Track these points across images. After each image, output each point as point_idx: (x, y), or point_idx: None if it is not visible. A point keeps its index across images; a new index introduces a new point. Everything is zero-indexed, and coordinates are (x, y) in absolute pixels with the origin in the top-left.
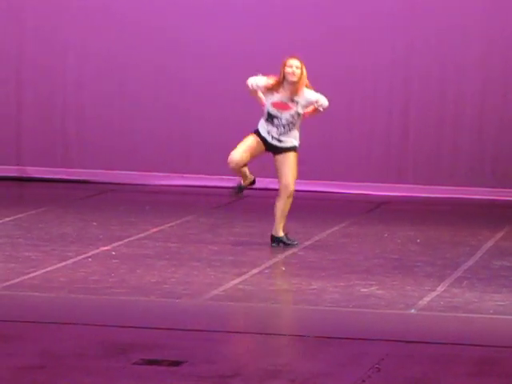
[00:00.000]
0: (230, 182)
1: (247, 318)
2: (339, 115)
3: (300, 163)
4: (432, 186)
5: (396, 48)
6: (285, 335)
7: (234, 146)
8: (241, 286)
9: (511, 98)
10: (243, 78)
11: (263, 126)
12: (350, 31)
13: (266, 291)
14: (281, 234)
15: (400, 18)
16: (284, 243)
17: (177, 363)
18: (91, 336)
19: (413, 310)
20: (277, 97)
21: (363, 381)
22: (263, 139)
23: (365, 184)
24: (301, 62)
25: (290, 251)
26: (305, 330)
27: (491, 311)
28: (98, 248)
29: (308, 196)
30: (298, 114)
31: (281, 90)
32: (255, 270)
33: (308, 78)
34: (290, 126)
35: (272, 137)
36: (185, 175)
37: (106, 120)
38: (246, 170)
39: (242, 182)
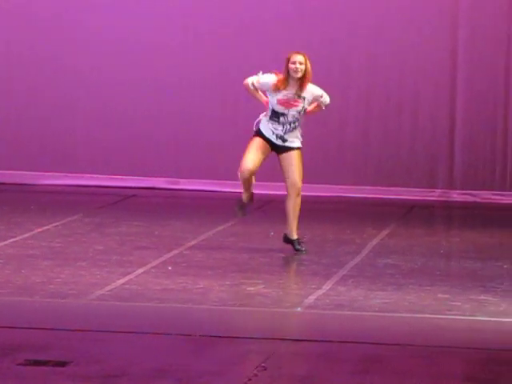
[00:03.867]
0: (116, 181)
1: (134, 318)
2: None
3: (188, 162)
4: (317, 185)
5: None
6: (171, 334)
7: (120, 146)
8: (127, 286)
9: (394, 101)
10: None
11: (266, 126)
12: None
13: (153, 291)
14: (294, 236)
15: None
16: (293, 247)
17: (63, 363)
18: None
19: (299, 309)
20: (283, 93)
21: (249, 379)
22: (267, 140)
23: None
24: (305, 57)
25: (176, 250)
26: (191, 329)
27: (377, 309)
28: None
29: (195, 195)
30: (304, 111)
31: (287, 86)
32: (141, 270)
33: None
34: (295, 124)
35: (277, 136)
36: (70, 174)
37: None
38: (252, 180)
39: (243, 196)
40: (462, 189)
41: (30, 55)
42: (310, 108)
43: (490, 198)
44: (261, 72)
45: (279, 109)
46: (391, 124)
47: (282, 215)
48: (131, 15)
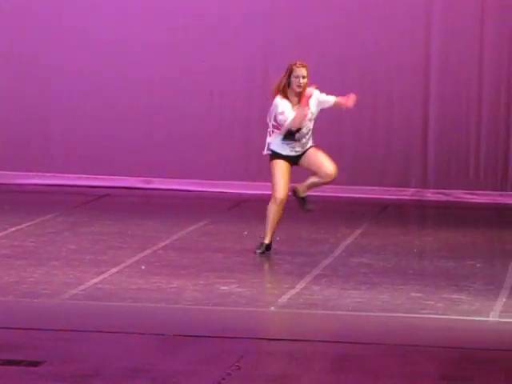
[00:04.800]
0: (90, 180)
1: (107, 318)
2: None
3: (161, 161)
4: (291, 184)
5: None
6: (145, 334)
7: (94, 146)
8: (100, 285)
9: (367, 101)
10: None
11: (281, 147)
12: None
13: (126, 290)
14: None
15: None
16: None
17: (35, 363)
18: None
19: (273, 308)
20: (292, 109)
21: (223, 379)
22: (286, 157)
23: (224, 182)
24: (307, 70)
25: (149, 250)
26: (165, 329)
27: (350, 308)
28: None
29: (168, 195)
30: (314, 117)
31: (290, 98)
32: (115, 269)
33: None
34: (309, 133)
35: (296, 152)
36: (43, 174)
37: None
38: (279, 215)
39: (265, 237)
40: (436, 188)
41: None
42: (341, 101)
43: (463, 197)
44: (279, 110)
45: (301, 125)
46: (365, 124)
47: (256, 215)
48: (113, 15)
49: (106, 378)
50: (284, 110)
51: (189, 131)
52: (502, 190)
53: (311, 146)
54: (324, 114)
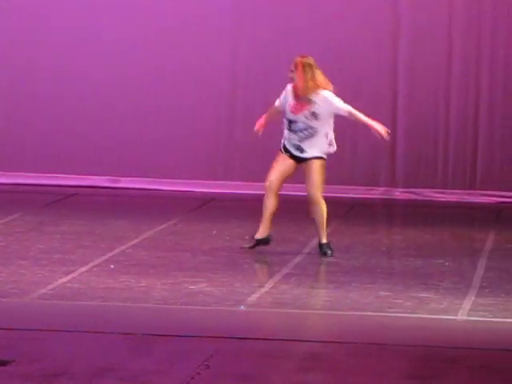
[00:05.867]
0: (57, 179)
1: (76, 317)
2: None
3: (129, 160)
4: (260, 183)
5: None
6: (113, 333)
7: (61, 144)
8: (69, 285)
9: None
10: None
11: (286, 138)
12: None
13: (95, 289)
14: (324, 240)
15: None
16: (327, 250)
17: (4, 363)
18: None
19: (242, 307)
20: (292, 99)
21: (192, 378)
22: (290, 153)
23: (192, 181)
24: (297, 62)
25: (118, 249)
26: (134, 328)
27: (319, 307)
28: None
29: (136, 194)
30: (315, 116)
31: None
32: (83, 268)
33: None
34: (309, 131)
35: (294, 146)
36: (9, 173)
37: None
38: (270, 218)
39: (258, 233)
40: (404, 187)
41: None
42: (372, 125)
43: (432, 196)
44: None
45: (290, 116)
46: (334, 122)
47: (224, 214)
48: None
49: (74, 377)
50: (282, 95)
51: (156, 130)
52: (470, 189)
53: (317, 157)
54: None
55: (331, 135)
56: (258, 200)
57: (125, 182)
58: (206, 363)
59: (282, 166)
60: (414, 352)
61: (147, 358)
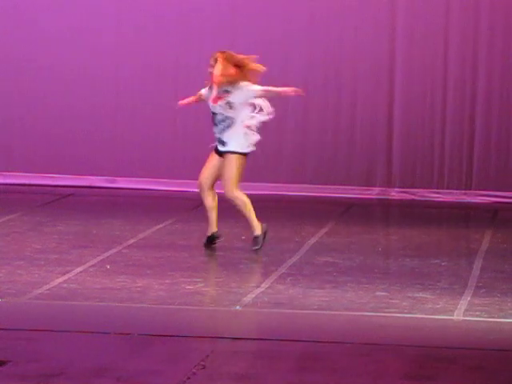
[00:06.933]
0: (54, 179)
1: (72, 317)
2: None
3: (125, 160)
4: (256, 183)
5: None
6: (110, 333)
7: (57, 144)
8: (65, 285)
9: (332, 100)
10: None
11: (214, 134)
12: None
13: (91, 290)
14: (256, 233)
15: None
16: (255, 243)
17: (0, 363)
18: None
19: (238, 307)
20: (214, 92)
21: (188, 378)
22: (216, 150)
23: (189, 181)
24: (217, 57)
25: (114, 249)
26: (130, 328)
27: (315, 307)
28: None
29: (132, 194)
30: (230, 105)
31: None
32: (80, 269)
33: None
34: (228, 122)
35: (218, 140)
36: (7, 173)
37: None
38: (213, 215)
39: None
40: (401, 187)
41: None
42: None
43: (428, 196)
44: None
45: (211, 107)
46: (330, 122)
47: (221, 214)
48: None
49: (71, 378)
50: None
51: (153, 130)
52: (466, 189)
53: (234, 152)
54: (290, 112)
55: (249, 123)
56: (256, 200)
57: (121, 182)
58: (201, 363)
59: (210, 163)
60: (410, 352)
61: (143, 359)
